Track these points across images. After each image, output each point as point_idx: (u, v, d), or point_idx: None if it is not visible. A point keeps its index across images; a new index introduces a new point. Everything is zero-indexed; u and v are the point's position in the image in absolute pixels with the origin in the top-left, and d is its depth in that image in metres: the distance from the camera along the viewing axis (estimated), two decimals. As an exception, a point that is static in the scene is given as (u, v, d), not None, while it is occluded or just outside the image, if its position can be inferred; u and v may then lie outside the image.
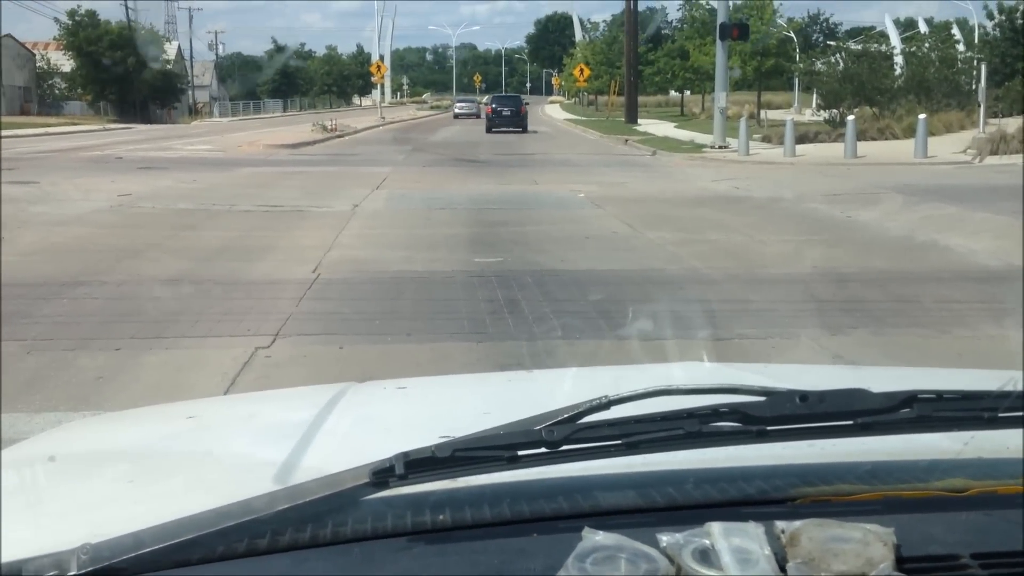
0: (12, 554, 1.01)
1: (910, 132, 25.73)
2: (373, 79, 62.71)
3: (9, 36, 65.87)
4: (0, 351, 6.01)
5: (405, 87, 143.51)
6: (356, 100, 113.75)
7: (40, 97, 70.00)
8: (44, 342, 6.44)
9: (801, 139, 26.87)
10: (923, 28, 60.43)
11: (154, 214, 13.63)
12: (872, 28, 62.73)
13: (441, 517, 1.06)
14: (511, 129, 42.68)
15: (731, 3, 32.95)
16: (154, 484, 1.40)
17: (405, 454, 1.02)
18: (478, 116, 53.51)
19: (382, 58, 75.85)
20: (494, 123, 43.59)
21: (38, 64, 70.45)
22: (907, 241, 11.03)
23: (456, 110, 65.43)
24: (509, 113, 44.05)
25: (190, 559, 0.99)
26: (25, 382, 5.60)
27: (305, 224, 12.60)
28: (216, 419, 1.93)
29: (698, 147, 28.54)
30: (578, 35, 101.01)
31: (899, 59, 39.76)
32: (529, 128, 43.78)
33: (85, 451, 1.69)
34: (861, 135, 25.66)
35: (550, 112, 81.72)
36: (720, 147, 27.26)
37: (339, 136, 38.33)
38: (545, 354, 6.12)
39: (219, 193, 16.38)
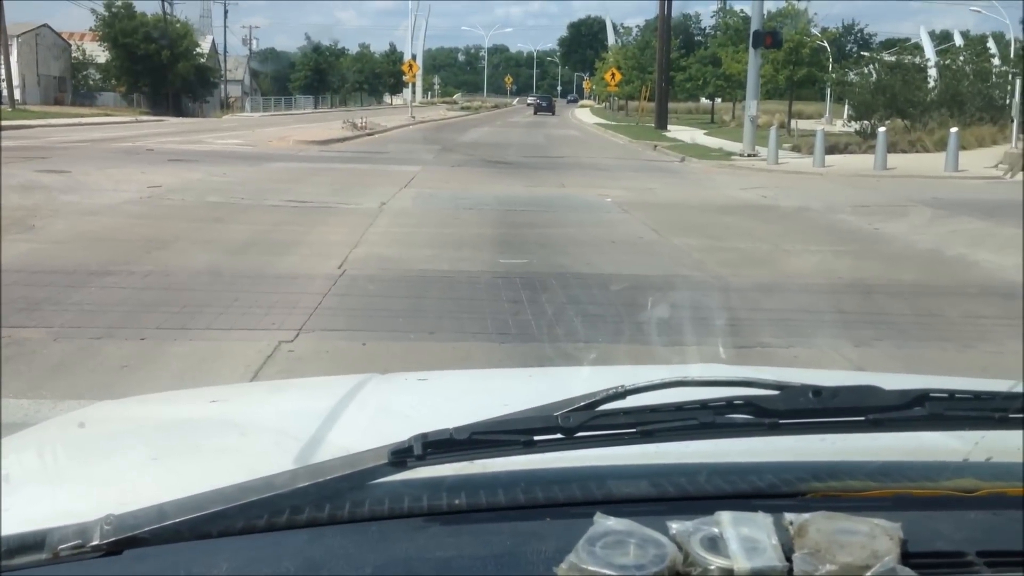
0: (37, 523, 1.03)
1: (941, 145, 25.54)
2: (404, 78, 65.39)
3: (46, 26, 66.49)
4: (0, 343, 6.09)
5: (436, 87, 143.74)
6: (387, 99, 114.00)
7: (75, 87, 70.58)
8: (71, 329, 6.51)
9: (831, 149, 26.70)
10: (958, 41, 59.88)
11: (183, 206, 13.73)
12: (907, 40, 62.30)
13: (457, 500, 1.08)
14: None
15: (765, 11, 32.78)
16: (177, 461, 1.43)
17: (424, 435, 1.04)
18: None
19: (414, 57, 75.99)
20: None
21: (73, 55, 71.04)
22: (934, 255, 10.96)
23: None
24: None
25: (211, 532, 1.01)
26: (51, 369, 5.67)
27: (332, 220, 12.65)
28: (239, 403, 1.96)
29: (727, 155, 28.43)
30: (611, 39, 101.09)
31: (933, 72, 39.47)
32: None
33: (109, 430, 1.72)
34: (892, 147, 25.48)
35: (580, 116, 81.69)
36: (749, 155, 27.16)
37: (369, 134, 38.39)
38: (566, 356, 6.13)
39: (248, 187, 16.48)
